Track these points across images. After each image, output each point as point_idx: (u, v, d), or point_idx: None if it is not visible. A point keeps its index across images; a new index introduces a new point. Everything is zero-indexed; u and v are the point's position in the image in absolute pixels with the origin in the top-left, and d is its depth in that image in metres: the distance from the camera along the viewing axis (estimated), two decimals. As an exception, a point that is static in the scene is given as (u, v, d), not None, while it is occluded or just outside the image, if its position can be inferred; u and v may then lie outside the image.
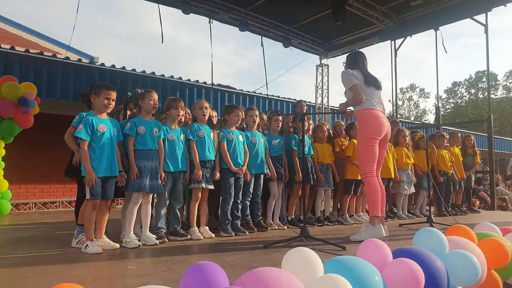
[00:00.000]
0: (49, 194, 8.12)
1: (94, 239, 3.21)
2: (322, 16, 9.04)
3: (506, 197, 9.99)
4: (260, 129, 4.84)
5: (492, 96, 38.60)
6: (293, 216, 4.99)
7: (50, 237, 4.19)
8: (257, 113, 4.70)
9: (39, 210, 7.83)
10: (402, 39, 9.63)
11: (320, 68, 11.12)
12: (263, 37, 9.74)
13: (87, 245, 3.13)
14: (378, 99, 4.05)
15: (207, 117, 4.15)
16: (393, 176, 5.76)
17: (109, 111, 3.47)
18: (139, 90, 3.75)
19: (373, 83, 4.07)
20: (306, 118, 5.20)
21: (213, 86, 9.01)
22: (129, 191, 3.53)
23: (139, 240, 3.44)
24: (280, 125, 4.86)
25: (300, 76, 62.64)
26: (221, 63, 60.63)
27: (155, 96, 3.70)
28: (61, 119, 7.44)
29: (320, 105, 10.95)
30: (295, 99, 10.61)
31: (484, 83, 38.76)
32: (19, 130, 6.16)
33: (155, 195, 3.84)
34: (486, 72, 8.66)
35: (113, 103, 3.44)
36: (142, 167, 3.50)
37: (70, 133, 3.55)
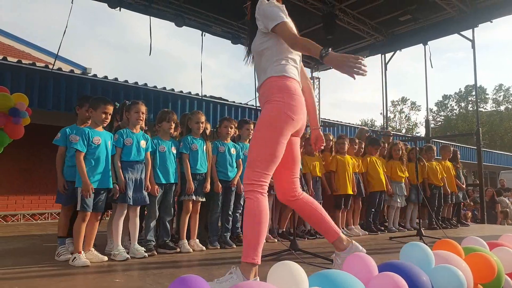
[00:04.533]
0: (38, 205, 8.01)
1: (82, 252, 3.17)
2: (313, 30, 9.17)
3: (507, 210, 10.02)
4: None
5: (481, 109, 39.44)
6: (284, 229, 4.98)
7: (37, 249, 4.13)
8: (252, 126, 4.73)
9: (27, 222, 7.71)
10: (392, 53, 9.80)
11: (312, 80, 11.24)
12: (255, 50, 9.82)
13: (75, 257, 3.10)
14: (297, 58, 2.43)
15: (201, 131, 4.17)
16: (385, 189, 5.82)
17: (105, 125, 3.48)
18: (127, 101, 3.75)
19: None
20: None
21: (205, 98, 9.04)
22: (114, 203, 3.52)
23: (127, 253, 3.41)
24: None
25: (293, 88, 62.96)
26: (213, 74, 60.93)
27: (142, 108, 3.68)
28: (52, 130, 7.38)
29: (312, 118, 11.02)
30: (287, 112, 10.66)
31: (474, 97, 39.40)
32: (9, 141, 6.09)
33: (145, 207, 3.82)
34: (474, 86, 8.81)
35: (109, 117, 3.46)
36: (127, 178, 3.49)
37: (60, 153, 3.52)
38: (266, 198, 2.19)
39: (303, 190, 4.76)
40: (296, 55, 2.40)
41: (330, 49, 2.06)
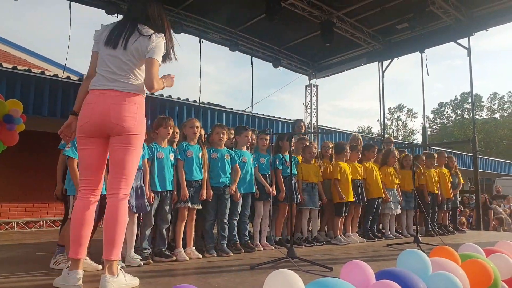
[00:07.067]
0: (33, 213, 7.94)
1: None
2: (311, 37, 9.24)
3: (502, 216, 10.05)
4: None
5: (477, 117, 39.68)
6: (281, 236, 4.95)
7: (31, 258, 4.08)
8: (250, 133, 4.73)
9: (21, 230, 7.64)
10: (389, 60, 9.85)
11: (309, 88, 11.28)
12: (253, 57, 9.88)
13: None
14: (107, 67, 2.61)
15: (197, 136, 4.16)
16: (383, 195, 5.81)
17: None
18: None
19: (110, 41, 2.63)
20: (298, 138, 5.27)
21: (203, 105, 9.04)
22: None
23: (123, 261, 3.37)
24: (266, 144, 4.88)
25: (290, 95, 63.39)
26: (212, 81, 61.11)
27: None
28: (47, 137, 7.37)
29: (309, 125, 11.05)
30: (284, 118, 10.70)
31: (470, 104, 39.65)
32: (3, 147, 6.05)
33: (141, 215, 3.79)
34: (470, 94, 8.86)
35: None
36: None
37: (62, 160, 3.51)
38: (81, 200, 2.58)
39: (296, 196, 4.81)
40: (103, 63, 2.62)
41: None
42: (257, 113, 10.22)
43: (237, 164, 4.42)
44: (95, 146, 2.58)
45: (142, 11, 2.71)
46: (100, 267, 3.23)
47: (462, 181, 7.38)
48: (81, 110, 2.57)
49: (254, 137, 5.05)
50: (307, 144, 5.44)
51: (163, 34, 2.70)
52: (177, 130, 4.45)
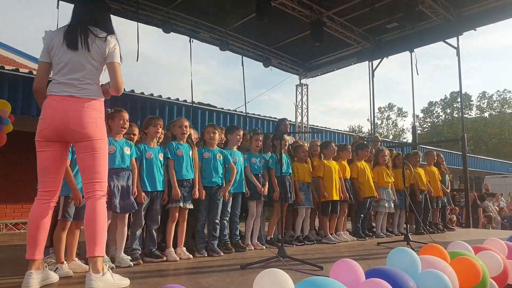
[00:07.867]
0: (21, 214, 7.84)
1: (65, 262, 3.10)
2: (301, 37, 9.26)
3: (491, 214, 10.19)
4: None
5: (466, 116, 40.12)
6: (272, 236, 4.95)
7: (19, 260, 4.01)
8: (241, 132, 4.72)
9: (10, 232, 7.54)
10: (379, 60, 9.90)
11: (300, 87, 11.31)
12: (243, 57, 9.87)
13: (57, 267, 3.02)
14: (64, 71, 2.61)
15: (186, 136, 4.13)
16: (375, 194, 5.84)
17: None
18: (109, 109, 3.68)
19: (69, 44, 2.60)
20: (284, 136, 5.25)
21: (193, 104, 9.01)
22: None
23: (113, 262, 3.34)
24: (260, 145, 4.87)
25: (281, 95, 63.56)
26: (202, 80, 60.94)
27: (125, 115, 3.62)
28: (36, 137, 7.28)
29: (300, 124, 11.08)
30: (275, 118, 10.71)
31: (459, 103, 40.08)
32: (-9, 148, 5.96)
33: (131, 215, 3.76)
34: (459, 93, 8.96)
35: None
36: (112, 186, 3.43)
37: None
38: (39, 203, 2.60)
39: (290, 195, 4.82)
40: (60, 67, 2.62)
41: None
42: (248, 113, 10.22)
43: (231, 163, 4.40)
44: (53, 149, 2.61)
45: (88, 13, 2.71)
46: (89, 268, 3.20)
47: (448, 178, 7.46)
48: (41, 114, 2.61)
49: (248, 137, 5.05)
50: (299, 143, 5.43)
51: (115, 35, 2.73)
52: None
